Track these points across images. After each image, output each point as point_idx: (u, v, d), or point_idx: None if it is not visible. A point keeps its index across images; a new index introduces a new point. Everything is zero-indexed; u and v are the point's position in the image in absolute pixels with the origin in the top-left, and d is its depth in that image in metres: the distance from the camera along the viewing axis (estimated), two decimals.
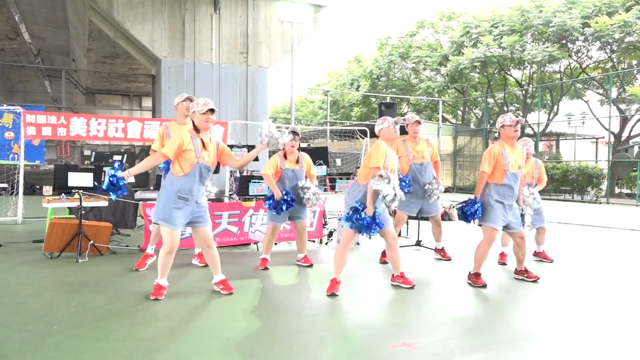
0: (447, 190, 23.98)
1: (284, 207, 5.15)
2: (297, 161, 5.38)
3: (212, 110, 4.05)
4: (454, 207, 10.65)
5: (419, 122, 6.01)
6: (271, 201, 5.18)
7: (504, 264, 5.84)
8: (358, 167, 10.95)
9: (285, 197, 5.16)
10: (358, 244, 7.06)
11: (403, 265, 4.74)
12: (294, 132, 5.31)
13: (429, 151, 5.99)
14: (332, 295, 4.27)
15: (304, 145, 15.59)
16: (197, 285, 4.62)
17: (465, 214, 4.83)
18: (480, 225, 4.88)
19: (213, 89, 15.77)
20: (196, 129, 4.08)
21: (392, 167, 4.38)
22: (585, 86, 23.58)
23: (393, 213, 6.49)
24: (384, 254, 5.94)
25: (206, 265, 5.35)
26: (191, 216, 4.11)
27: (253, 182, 6.36)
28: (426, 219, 6.40)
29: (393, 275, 4.73)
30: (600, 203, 17.74)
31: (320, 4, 16.67)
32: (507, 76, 26.43)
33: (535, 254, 6.16)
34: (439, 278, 5.14)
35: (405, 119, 6.00)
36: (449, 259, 6.06)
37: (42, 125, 8.57)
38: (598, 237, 8.55)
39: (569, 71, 24.06)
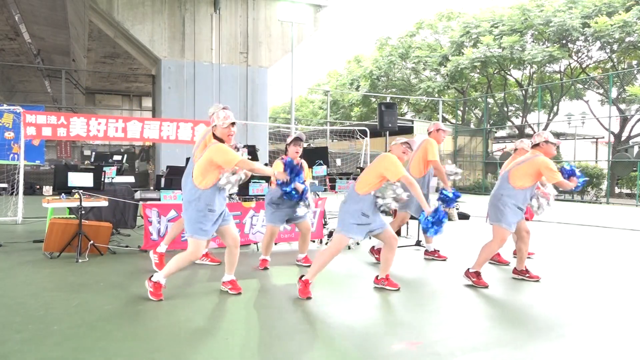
0: None
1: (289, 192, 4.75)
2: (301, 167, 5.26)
3: (233, 124, 4.09)
4: (453, 207, 10.61)
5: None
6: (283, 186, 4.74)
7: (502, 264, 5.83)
8: (358, 167, 10.95)
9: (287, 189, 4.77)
10: (358, 244, 7.05)
11: (401, 266, 4.73)
12: (298, 139, 5.20)
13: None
14: (308, 299, 4.15)
15: (304, 145, 15.55)
16: (198, 285, 4.62)
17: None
18: (492, 224, 4.80)
19: (213, 89, 15.77)
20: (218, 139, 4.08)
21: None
22: (585, 86, 23.57)
23: (394, 213, 6.47)
24: (377, 251, 5.76)
25: (218, 264, 5.36)
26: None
27: (253, 182, 6.35)
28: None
29: (377, 277, 4.62)
30: (600, 203, 17.73)
31: (320, 4, 16.67)
32: (507, 76, 26.42)
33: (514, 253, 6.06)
34: (438, 278, 5.14)
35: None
36: (445, 259, 6.04)
37: (42, 125, 8.57)
38: (598, 237, 8.55)
39: (569, 71, 24.05)
